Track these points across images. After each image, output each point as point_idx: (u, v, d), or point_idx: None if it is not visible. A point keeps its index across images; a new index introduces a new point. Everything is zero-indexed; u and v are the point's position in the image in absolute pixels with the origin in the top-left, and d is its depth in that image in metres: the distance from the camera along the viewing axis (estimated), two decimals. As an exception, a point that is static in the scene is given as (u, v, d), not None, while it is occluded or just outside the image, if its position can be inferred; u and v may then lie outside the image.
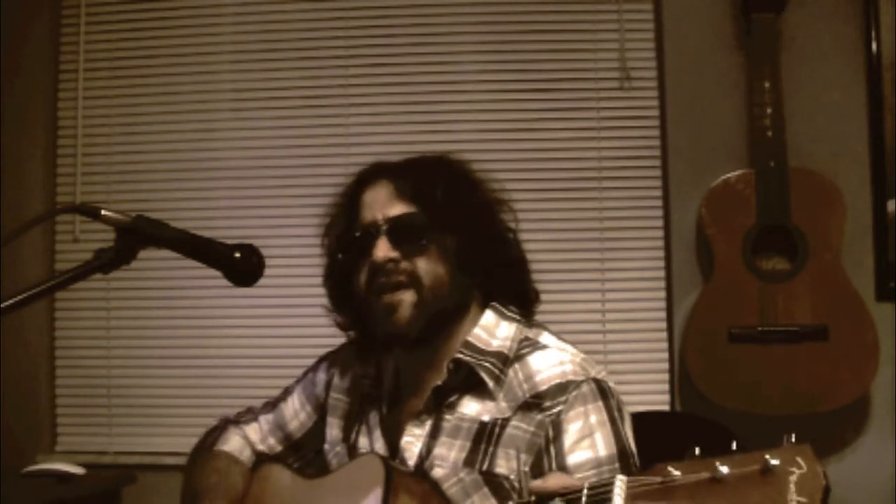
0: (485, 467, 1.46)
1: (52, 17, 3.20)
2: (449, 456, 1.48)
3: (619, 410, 1.48)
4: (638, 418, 1.55)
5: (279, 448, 1.73)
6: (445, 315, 1.52)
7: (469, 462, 1.47)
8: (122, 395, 3.13)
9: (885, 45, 2.91)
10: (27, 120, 3.17)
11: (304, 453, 1.72)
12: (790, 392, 2.73)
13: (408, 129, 3.08)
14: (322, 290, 1.64)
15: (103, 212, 1.29)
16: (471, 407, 1.51)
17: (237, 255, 1.33)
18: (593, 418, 1.45)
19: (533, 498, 1.24)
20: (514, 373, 1.51)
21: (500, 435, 1.47)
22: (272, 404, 1.76)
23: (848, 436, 2.87)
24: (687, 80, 2.98)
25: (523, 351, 1.53)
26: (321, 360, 1.75)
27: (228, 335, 3.11)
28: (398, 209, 1.52)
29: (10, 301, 1.20)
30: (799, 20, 2.91)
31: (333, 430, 1.65)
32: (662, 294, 3.02)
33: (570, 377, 1.47)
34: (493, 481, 1.45)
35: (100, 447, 3.12)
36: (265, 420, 1.74)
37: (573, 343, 1.57)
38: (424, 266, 1.50)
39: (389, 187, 1.54)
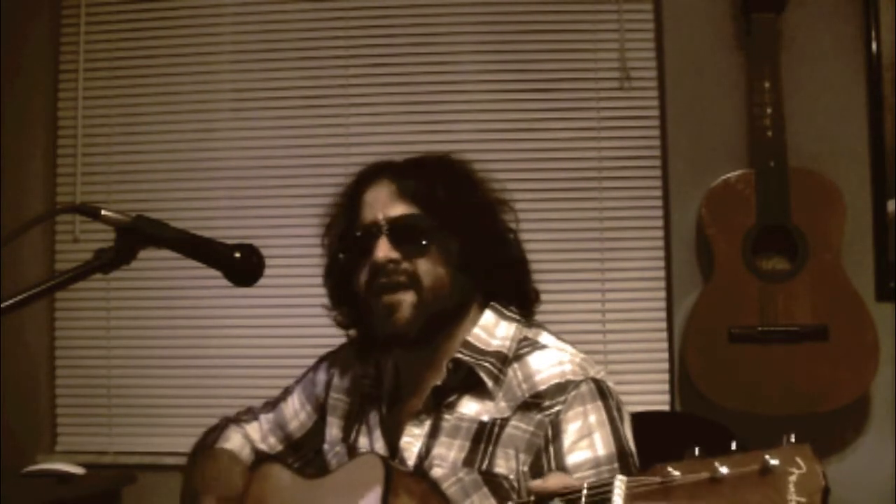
0: (484, 467, 1.46)
1: (52, 17, 3.20)
2: (448, 456, 1.48)
3: (619, 410, 1.48)
4: (638, 418, 1.55)
5: (279, 447, 1.73)
6: (445, 315, 1.52)
7: (468, 462, 1.47)
8: (122, 395, 3.13)
9: (885, 45, 2.91)
10: (27, 120, 3.17)
11: (303, 453, 1.72)
12: (790, 392, 2.73)
13: (408, 129, 3.08)
14: (322, 290, 1.64)
15: (103, 212, 1.29)
16: (470, 407, 1.51)
17: (237, 255, 1.33)
18: (592, 418, 1.45)
19: (532, 498, 1.24)
20: (514, 373, 1.51)
21: (499, 435, 1.47)
22: (272, 404, 1.77)
23: (848, 436, 2.87)
24: (687, 80, 2.98)
25: (522, 351, 1.53)
26: (321, 360, 1.75)
27: (228, 335, 3.11)
28: (399, 209, 1.52)
29: (10, 301, 1.21)
30: (799, 20, 2.91)
31: (333, 429, 1.66)
32: (662, 294, 3.02)
33: (570, 377, 1.47)
34: (492, 481, 1.45)
35: (100, 447, 3.12)
36: (265, 419, 1.75)
37: (573, 343, 1.57)
38: (425, 267, 1.50)
39: (391, 187, 1.54)
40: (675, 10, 3.00)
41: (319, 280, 1.64)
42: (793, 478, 0.97)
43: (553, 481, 1.25)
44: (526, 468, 1.44)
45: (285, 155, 3.13)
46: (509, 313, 1.57)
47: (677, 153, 2.98)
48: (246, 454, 1.70)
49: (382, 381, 1.62)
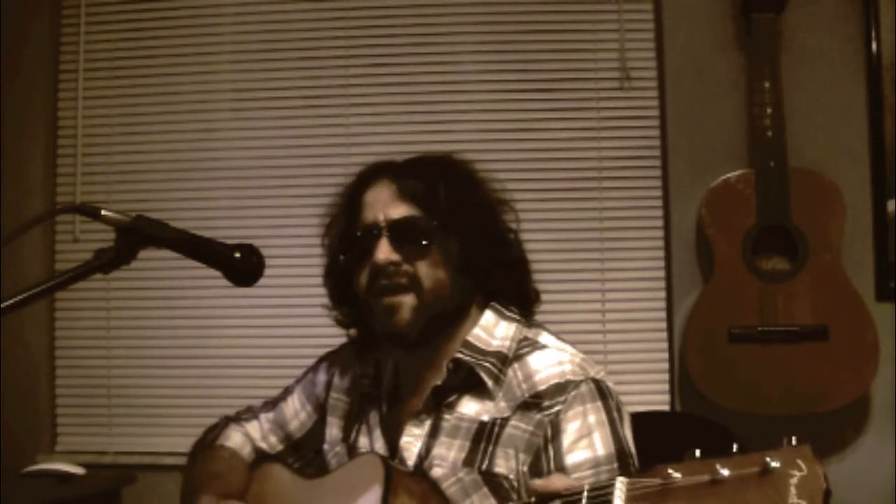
0: (484, 467, 1.46)
1: (52, 17, 3.20)
2: (448, 456, 1.48)
3: (618, 411, 1.48)
4: (638, 418, 1.55)
5: (280, 447, 1.73)
6: (445, 316, 1.52)
7: (468, 462, 1.47)
8: (122, 395, 3.13)
9: (885, 45, 2.91)
10: (27, 120, 3.17)
11: (303, 453, 1.72)
12: (790, 392, 2.73)
13: (408, 129, 3.08)
14: (322, 290, 1.64)
15: (103, 212, 1.29)
16: (470, 407, 1.51)
17: (237, 255, 1.34)
18: (592, 418, 1.45)
19: (533, 499, 1.24)
20: (514, 372, 1.51)
21: (499, 434, 1.47)
22: (272, 403, 1.76)
23: (848, 436, 2.87)
24: (687, 80, 2.98)
25: (522, 351, 1.53)
26: (321, 360, 1.75)
27: (228, 335, 3.11)
28: (400, 211, 1.52)
29: (10, 301, 1.21)
30: (799, 20, 2.91)
31: (333, 429, 1.65)
32: (662, 294, 3.02)
33: (569, 377, 1.47)
34: (492, 481, 1.45)
35: (100, 447, 3.12)
36: (265, 419, 1.75)
37: (573, 343, 1.57)
38: (425, 269, 1.50)
39: (392, 187, 1.54)
40: (675, 10, 3.00)
41: (319, 280, 1.64)
42: (794, 480, 0.97)
43: (556, 482, 1.25)
44: (525, 468, 1.44)
45: (285, 155, 3.13)
46: (509, 313, 1.57)
47: (677, 153, 2.98)
48: (247, 453, 1.71)
49: (382, 381, 1.62)
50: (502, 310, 1.57)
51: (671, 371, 2.97)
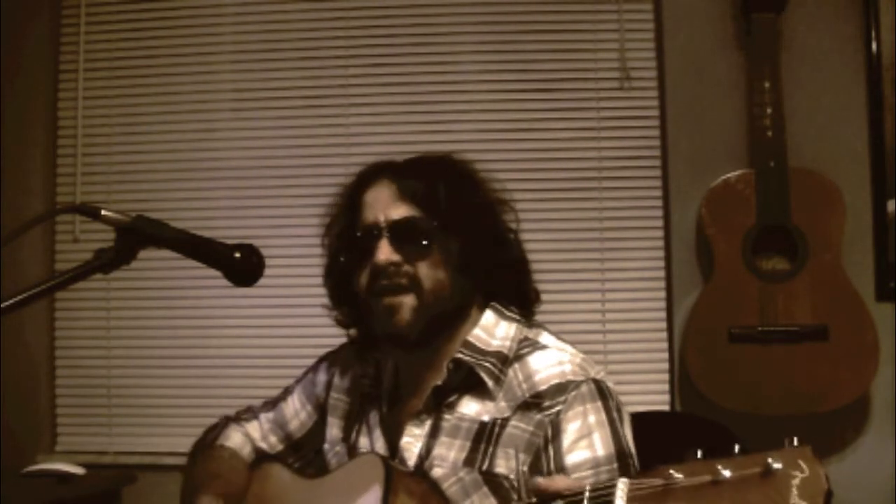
0: (484, 467, 1.46)
1: (52, 17, 3.20)
2: (448, 456, 1.48)
3: (618, 411, 1.48)
4: (638, 418, 1.55)
5: (279, 447, 1.73)
6: (446, 317, 1.52)
7: (469, 462, 1.47)
8: (122, 395, 3.13)
9: (885, 45, 2.91)
10: (27, 120, 3.17)
11: (304, 453, 1.72)
12: (790, 392, 2.73)
13: (408, 129, 3.08)
14: (322, 290, 1.64)
15: (103, 212, 1.29)
16: (470, 407, 1.51)
17: (237, 255, 1.33)
18: (592, 418, 1.45)
19: (534, 499, 1.24)
20: (514, 373, 1.51)
21: (499, 435, 1.47)
22: (272, 403, 1.76)
23: (848, 436, 2.87)
24: (687, 80, 2.98)
25: (523, 351, 1.53)
26: (321, 360, 1.75)
27: (228, 335, 3.11)
28: (401, 211, 1.51)
29: (10, 301, 1.20)
30: (799, 20, 2.91)
31: (333, 429, 1.65)
32: (662, 294, 3.02)
33: (570, 377, 1.47)
34: (492, 481, 1.45)
35: (100, 447, 3.12)
36: (265, 419, 1.75)
37: (573, 343, 1.57)
38: (426, 269, 1.50)
39: (392, 188, 1.53)
40: (675, 10, 3.00)
41: (319, 280, 1.64)
42: (795, 481, 0.97)
43: (559, 481, 1.26)
44: (525, 468, 1.44)
45: (285, 155, 3.13)
46: (509, 313, 1.57)
47: (677, 153, 2.98)
48: (247, 452, 1.71)
49: (382, 381, 1.62)
50: (502, 310, 1.57)
51: (671, 371, 2.97)
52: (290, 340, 3.04)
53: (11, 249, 2.87)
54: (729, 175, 2.82)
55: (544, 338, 1.55)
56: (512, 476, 1.45)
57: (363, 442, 1.59)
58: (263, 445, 1.73)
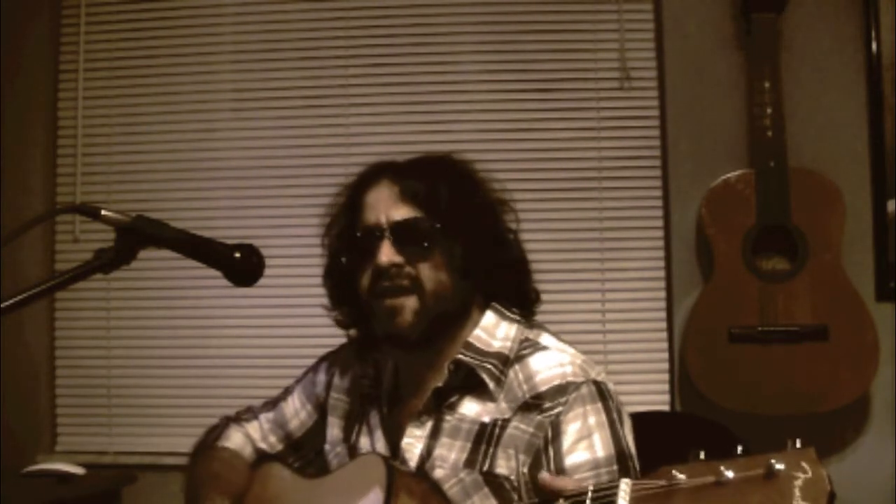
0: (485, 468, 1.46)
1: (52, 17, 3.20)
2: (449, 457, 1.48)
3: (619, 412, 1.48)
4: (638, 418, 1.55)
5: (280, 447, 1.73)
6: (447, 318, 1.52)
7: (469, 463, 1.47)
8: (122, 395, 3.13)
9: (885, 45, 2.91)
10: (27, 120, 3.17)
11: (304, 453, 1.72)
12: (790, 392, 2.73)
13: (408, 129, 3.08)
14: (322, 290, 1.64)
15: (103, 212, 1.29)
16: (471, 408, 1.51)
17: (237, 255, 1.33)
18: (592, 420, 1.45)
19: (535, 500, 1.24)
20: (515, 374, 1.51)
21: (500, 436, 1.47)
22: (272, 403, 1.76)
23: (848, 436, 2.87)
24: (687, 80, 2.98)
25: (524, 352, 1.53)
26: (321, 360, 1.75)
27: (228, 335, 3.11)
28: (402, 213, 1.51)
29: (10, 301, 1.20)
30: (799, 20, 2.91)
31: (334, 430, 1.65)
32: (662, 294, 3.02)
33: (570, 378, 1.47)
34: (493, 482, 1.45)
35: (100, 447, 3.12)
36: (266, 419, 1.75)
37: (573, 343, 1.57)
38: (427, 271, 1.50)
39: (393, 189, 1.53)
40: (675, 10, 3.00)
41: (319, 280, 1.64)
42: (798, 482, 0.97)
43: (563, 480, 1.26)
44: (526, 469, 1.44)
45: (285, 155, 3.13)
46: (510, 314, 1.57)
47: (677, 153, 2.98)
48: (247, 453, 1.71)
49: (382, 382, 1.61)
50: (503, 311, 1.57)
51: (671, 371, 2.97)
52: (290, 340, 3.04)
53: (11, 249, 2.87)
54: (729, 175, 2.82)
55: (545, 339, 1.55)
56: (512, 477, 1.45)
57: (364, 442, 1.59)
58: (263, 446, 1.73)
